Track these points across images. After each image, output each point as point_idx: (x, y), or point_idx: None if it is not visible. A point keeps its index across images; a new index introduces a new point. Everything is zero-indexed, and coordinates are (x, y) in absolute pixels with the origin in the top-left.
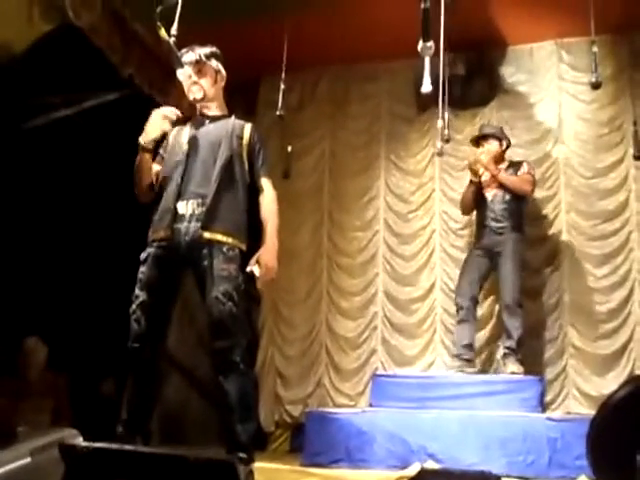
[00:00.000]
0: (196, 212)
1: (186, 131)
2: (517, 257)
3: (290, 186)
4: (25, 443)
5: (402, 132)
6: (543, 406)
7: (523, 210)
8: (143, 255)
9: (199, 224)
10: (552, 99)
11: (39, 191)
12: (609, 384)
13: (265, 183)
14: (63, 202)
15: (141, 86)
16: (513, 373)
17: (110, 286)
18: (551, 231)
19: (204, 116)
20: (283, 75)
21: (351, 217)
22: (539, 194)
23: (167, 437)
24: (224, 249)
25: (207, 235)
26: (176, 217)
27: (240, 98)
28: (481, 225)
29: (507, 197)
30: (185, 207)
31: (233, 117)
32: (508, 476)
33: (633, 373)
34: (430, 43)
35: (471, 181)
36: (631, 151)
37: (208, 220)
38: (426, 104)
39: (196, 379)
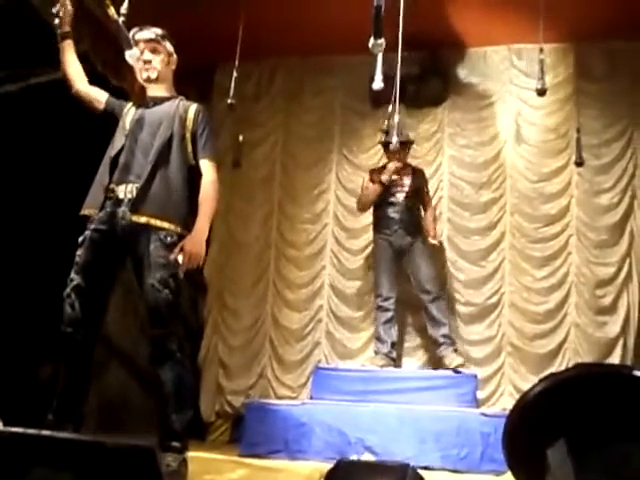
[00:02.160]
0: (133, 195)
1: (131, 112)
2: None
3: (241, 176)
4: None
5: (355, 127)
6: (477, 402)
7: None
8: (80, 238)
9: (135, 208)
10: (503, 103)
11: None
12: None
13: (205, 165)
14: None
15: (95, 64)
16: (458, 365)
17: (49, 267)
18: (495, 232)
19: (152, 98)
20: (237, 62)
21: (301, 209)
22: (486, 196)
23: (106, 425)
24: (162, 236)
25: (137, 219)
26: (113, 200)
27: (194, 84)
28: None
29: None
30: (123, 191)
31: (180, 99)
32: (442, 469)
33: None
34: (381, 40)
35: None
36: (574, 158)
37: (139, 202)
38: (380, 101)
39: (137, 367)
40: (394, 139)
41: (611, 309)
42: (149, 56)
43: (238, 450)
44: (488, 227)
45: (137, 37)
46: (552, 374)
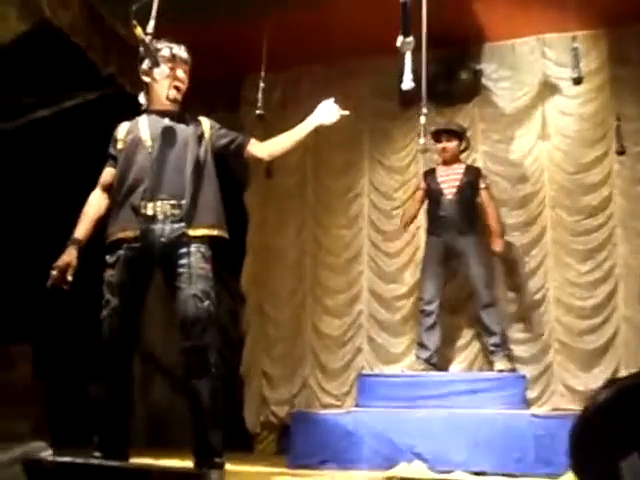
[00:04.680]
0: (171, 213)
1: (144, 128)
2: (484, 256)
3: (273, 186)
4: None
5: (386, 129)
6: (526, 403)
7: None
8: (111, 258)
9: (177, 225)
10: (535, 95)
11: (20, 193)
12: (595, 379)
13: (254, 145)
14: (45, 205)
15: (123, 85)
16: (500, 371)
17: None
18: (535, 226)
19: (162, 113)
20: (263, 73)
21: (335, 215)
22: (524, 190)
23: (154, 440)
24: (202, 249)
25: (191, 232)
26: (146, 218)
27: (222, 96)
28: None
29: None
30: (156, 208)
31: (186, 114)
32: (495, 473)
33: (619, 368)
34: (410, 38)
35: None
36: (614, 146)
37: (190, 218)
38: (409, 101)
39: (180, 379)
40: (421, 140)
41: None
42: (183, 76)
43: (286, 461)
44: (528, 222)
45: (174, 53)
46: (615, 380)
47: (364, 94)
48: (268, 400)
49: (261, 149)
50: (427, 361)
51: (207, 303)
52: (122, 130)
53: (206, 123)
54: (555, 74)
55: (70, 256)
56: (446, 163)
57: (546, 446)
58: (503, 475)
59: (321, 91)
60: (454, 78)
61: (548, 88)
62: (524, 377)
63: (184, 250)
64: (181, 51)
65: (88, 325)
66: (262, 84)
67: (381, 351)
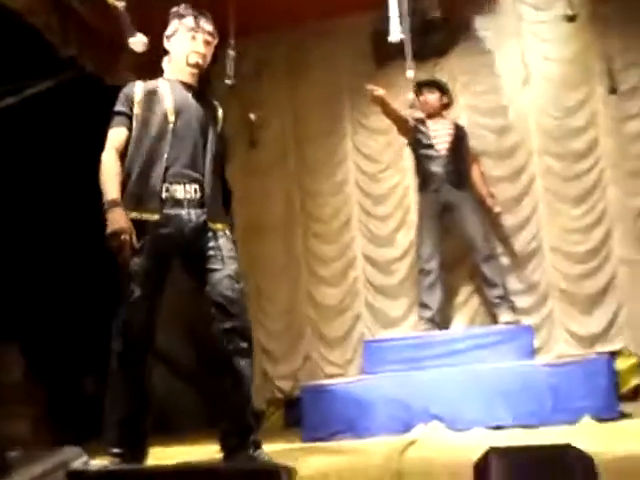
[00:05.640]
0: (193, 197)
1: (167, 95)
2: (479, 209)
3: (255, 157)
4: (23, 470)
5: (361, 88)
6: (534, 353)
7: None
8: (137, 244)
9: (200, 210)
10: (515, 41)
11: None
12: (597, 322)
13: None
14: (23, 200)
15: (85, 67)
16: (507, 323)
17: (82, 281)
18: (524, 176)
19: (186, 85)
20: (232, 41)
21: (321, 182)
22: (511, 140)
23: (154, 427)
24: (226, 231)
25: (212, 225)
26: (172, 201)
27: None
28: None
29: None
30: (181, 192)
31: (206, 93)
32: (514, 426)
33: (620, 309)
34: None
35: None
36: (597, 88)
37: (212, 210)
38: (385, 58)
39: (182, 368)
40: (409, 95)
41: None
42: (204, 47)
43: (300, 435)
44: (516, 172)
45: (198, 22)
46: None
47: (340, 55)
48: (271, 376)
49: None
50: (431, 320)
51: (241, 284)
52: (139, 91)
53: (220, 110)
54: (533, 18)
55: (124, 218)
56: (430, 117)
57: (561, 394)
58: (522, 427)
59: (295, 54)
60: (430, 30)
61: (528, 33)
62: (531, 327)
63: (210, 234)
64: (206, 22)
65: (79, 319)
66: (232, 52)
67: (380, 316)
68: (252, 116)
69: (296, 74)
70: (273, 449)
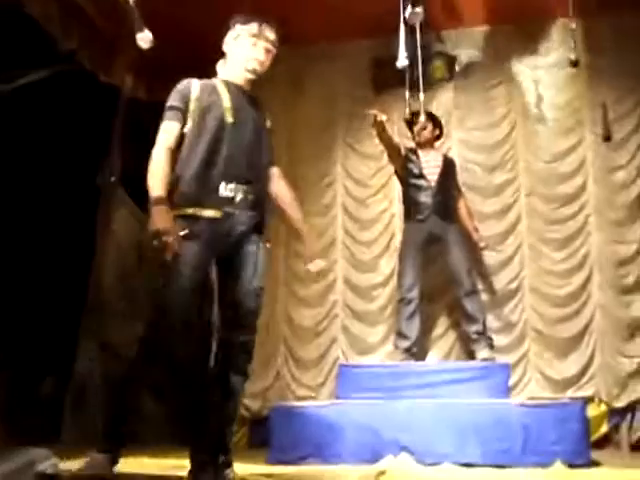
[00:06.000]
0: (247, 198)
1: (224, 95)
2: (465, 243)
3: None
4: None
5: (359, 115)
6: (509, 392)
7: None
8: (188, 233)
9: (251, 213)
10: (511, 82)
11: None
12: (570, 367)
13: (277, 171)
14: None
15: (82, 62)
16: (484, 359)
17: (48, 280)
18: (511, 214)
19: (241, 89)
20: None
21: (309, 203)
22: (500, 178)
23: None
24: (267, 243)
25: (257, 232)
26: (228, 200)
27: (190, 76)
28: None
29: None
30: (233, 190)
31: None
32: (484, 465)
33: (594, 355)
34: (420, 9)
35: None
36: (588, 135)
37: (261, 216)
38: (383, 85)
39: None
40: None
41: (635, 288)
42: (263, 54)
43: (265, 457)
44: (503, 210)
45: (262, 29)
46: None
47: (337, 79)
48: None
49: (276, 185)
50: (407, 351)
51: (261, 300)
52: (196, 88)
53: (268, 121)
54: (531, 62)
55: (168, 217)
56: (421, 147)
57: (534, 435)
58: (491, 466)
59: (294, 76)
60: (429, 63)
61: (524, 76)
62: (508, 366)
63: (254, 239)
64: (269, 30)
65: (42, 319)
66: None
67: (357, 341)
68: None
69: (294, 94)
70: (237, 468)
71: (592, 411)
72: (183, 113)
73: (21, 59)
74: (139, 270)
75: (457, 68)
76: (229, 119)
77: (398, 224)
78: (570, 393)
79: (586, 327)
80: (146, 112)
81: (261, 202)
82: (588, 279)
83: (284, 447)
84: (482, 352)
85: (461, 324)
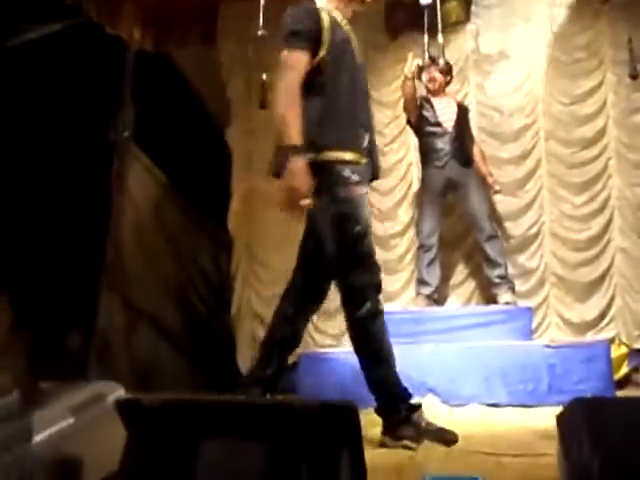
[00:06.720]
0: (368, 148)
1: (350, 33)
2: (483, 188)
3: (260, 120)
4: (59, 400)
5: (374, 60)
6: (532, 335)
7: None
8: (357, 192)
9: (370, 162)
10: (529, 23)
11: None
12: (590, 310)
13: None
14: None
15: (89, 13)
16: (507, 303)
17: (73, 236)
18: (530, 160)
19: (347, 27)
20: None
21: None
22: (518, 123)
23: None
24: None
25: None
26: (361, 146)
27: (196, 28)
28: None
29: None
30: (366, 138)
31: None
32: (509, 405)
33: (614, 299)
34: None
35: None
36: (609, 76)
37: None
38: (398, 31)
39: (164, 328)
40: (440, 60)
41: None
42: None
43: None
44: (522, 155)
45: None
46: None
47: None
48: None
49: None
50: (429, 297)
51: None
52: (325, 16)
53: None
54: (549, 1)
55: (306, 174)
56: (434, 94)
57: (560, 376)
58: (517, 406)
59: None
60: (443, 5)
61: (543, 16)
62: (530, 309)
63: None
64: None
65: (69, 273)
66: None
67: None
68: (265, 77)
69: None
70: None
71: (612, 352)
72: (313, 41)
73: (27, 11)
74: (155, 225)
75: (473, 9)
76: (358, 60)
77: (415, 173)
78: (590, 336)
79: (607, 271)
80: (154, 64)
81: (374, 149)
82: (609, 223)
83: (311, 393)
84: (505, 296)
85: (483, 269)
